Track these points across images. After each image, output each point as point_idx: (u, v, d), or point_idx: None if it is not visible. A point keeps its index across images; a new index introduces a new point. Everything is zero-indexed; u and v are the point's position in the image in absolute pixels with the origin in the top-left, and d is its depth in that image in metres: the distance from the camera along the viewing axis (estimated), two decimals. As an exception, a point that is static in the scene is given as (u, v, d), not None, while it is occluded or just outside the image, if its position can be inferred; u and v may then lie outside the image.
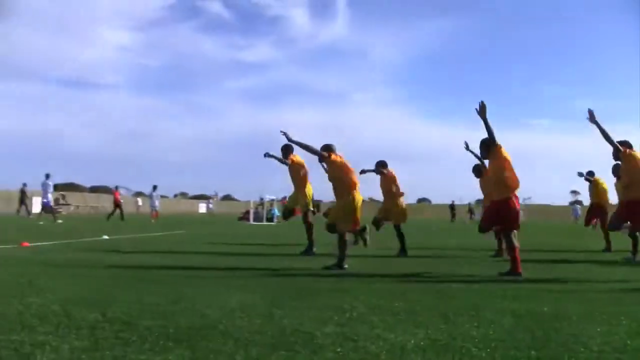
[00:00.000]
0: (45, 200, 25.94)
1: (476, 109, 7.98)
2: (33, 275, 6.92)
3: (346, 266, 8.51)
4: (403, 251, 11.46)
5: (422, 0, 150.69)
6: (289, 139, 9.45)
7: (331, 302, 5.45)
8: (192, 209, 75.04)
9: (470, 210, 58.34)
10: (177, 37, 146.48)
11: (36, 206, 47.78)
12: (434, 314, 4.97)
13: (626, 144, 9.45)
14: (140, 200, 58.72)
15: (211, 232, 11.64)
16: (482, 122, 8.00)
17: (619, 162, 10.04)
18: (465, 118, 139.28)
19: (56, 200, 43.24)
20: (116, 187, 33.98)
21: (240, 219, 39.27)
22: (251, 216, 36.56)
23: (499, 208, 8.21)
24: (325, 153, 8.90)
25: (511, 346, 3.83)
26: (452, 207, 55.83)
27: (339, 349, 3.66)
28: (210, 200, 68.37)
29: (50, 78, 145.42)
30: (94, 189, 75.12)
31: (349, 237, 8.84)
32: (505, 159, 8.14)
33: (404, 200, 11.92)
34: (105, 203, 54.22)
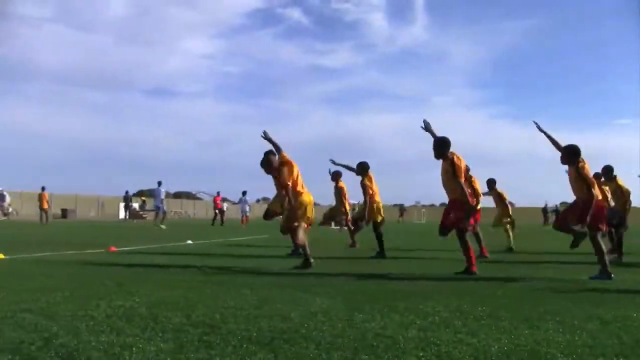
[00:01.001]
0: (158, 205, 27.10)
1: (421, 127, 8.69)
2: (120, 278, 7.13)
3: (312, 261, 8.92)
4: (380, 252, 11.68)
5: (499, 3, 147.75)
6: (266, 137, 9.49)
7: (413, 306, 5.40)
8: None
9: (557, 212, 56.75)
10: (258, 44, 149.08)
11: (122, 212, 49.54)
12: (518, 318, 4.87)
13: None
14: (225, 205, 59.84)
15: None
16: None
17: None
18: (550, 118, 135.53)
19: (140, 207, 44.77)
20: (218, 193, 34.73)
21: (322, 224, 39.24)
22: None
23: (452, 207, 8.57)
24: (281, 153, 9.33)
25: (598, 353, 3.73)
26: (545, 210, 55.00)
27: (421, 354, 3.64)
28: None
29: (135, 87, 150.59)
30: (177, 195, 77.03)
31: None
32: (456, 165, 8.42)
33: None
34: (187, 208, 55.62)
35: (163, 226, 25.32)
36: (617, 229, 11.78)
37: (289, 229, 9.14)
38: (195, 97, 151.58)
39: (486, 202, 13.84)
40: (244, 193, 35.54)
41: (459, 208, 8.41)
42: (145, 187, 58.50)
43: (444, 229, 8.48)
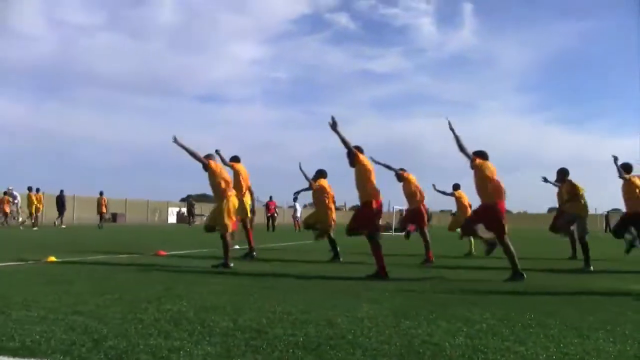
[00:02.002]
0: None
1: (329, 123, 8.62)
2: (169, 282, 7.23)
3: (232, 265, 9.68)
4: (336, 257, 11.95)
5: (551, 5, 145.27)
6: (178, 143, 9.65)
7: (460, 313, 5.34)
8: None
9: (607, 219, 55.52)
10: (306, 50, 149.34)
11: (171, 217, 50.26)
12: (567, 327, 4.79)
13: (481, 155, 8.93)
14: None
15: (340, 242, 11.69)
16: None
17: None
18: (602, 124, 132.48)
19: (188, 211, 45.35)
20: (270, 198, 34.96)
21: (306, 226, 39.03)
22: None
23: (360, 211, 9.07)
24: (206, 161, 9.80)
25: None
26: (606, 217, 54.03)
27: (468, 362, 3.57)
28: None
29: (185, 93, 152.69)
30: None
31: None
32: (366, 169, 8.75)
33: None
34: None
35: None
36: (579, 234, 11.54)
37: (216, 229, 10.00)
38: (244, 103, 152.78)
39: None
40: (296, 198, 35.65)
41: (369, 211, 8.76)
42: (192, 192, 59.18)
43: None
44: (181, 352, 3.66)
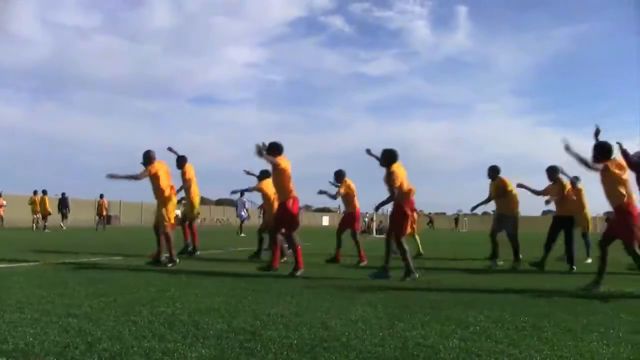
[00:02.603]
0: (241, 214, 28.33)
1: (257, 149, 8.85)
2: (162, 285, 7.21)
3: (177, 260, 10.27)
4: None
5: (546, 8, 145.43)
6: (113, 177, 10.03)
7: (454, 315, 5.35)
8: (316, 222, 76.17)
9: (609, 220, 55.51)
10: (302, 53, 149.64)
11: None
12: (561, 329, 4.81)
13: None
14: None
15: (334, 244, 11.69)
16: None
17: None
18: (601, 126, 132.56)
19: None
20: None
21: (363, 232, 39.21)
22: (374, 230, 36.40)
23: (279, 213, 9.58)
24: (139, 174, 10.15)
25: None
26: (608, 220, 54.06)
27: (462, 364, 3.57)
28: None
29: (182, 96, 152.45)
30: (219, 202, 77.60)
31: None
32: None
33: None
34: (230, 215, 56.03)
35: (243, 234, 26.22)
36: (511, 233, 11.71)
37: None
38: (240, 105, 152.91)
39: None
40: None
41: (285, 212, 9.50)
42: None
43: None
44: (175, 355, 3.66)
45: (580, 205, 12.84)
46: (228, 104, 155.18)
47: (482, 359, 3.74)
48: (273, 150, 9.26)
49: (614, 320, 5.29)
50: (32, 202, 29.58)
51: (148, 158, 10.35)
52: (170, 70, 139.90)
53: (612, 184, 7.67)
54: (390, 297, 6.64)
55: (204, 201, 47.75)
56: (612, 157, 7.69)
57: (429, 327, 4.77)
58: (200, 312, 5.23)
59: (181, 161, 12.58)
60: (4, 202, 31.31)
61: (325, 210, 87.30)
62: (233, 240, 20.76)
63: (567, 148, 7.90)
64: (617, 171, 7.62)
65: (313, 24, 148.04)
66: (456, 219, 68.94)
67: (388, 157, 8.90)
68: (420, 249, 14.05)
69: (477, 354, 3.85)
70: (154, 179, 10.31)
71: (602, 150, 7.80)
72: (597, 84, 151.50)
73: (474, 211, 13.72)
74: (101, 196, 34.14)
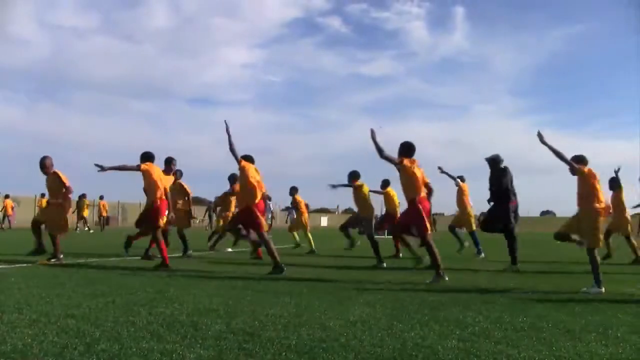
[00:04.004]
0: (268, 216, 28.78)
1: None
2: (161, 285, 7.22)
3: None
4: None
5: (543, 8, 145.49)
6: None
7: (453, 316, 5.35)
8: (314, 222, 76.20)
9: None
10: (299, 53, 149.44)
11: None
12: (559, 330, 4.81)
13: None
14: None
15: (334, 245, 11.70)
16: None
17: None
18: (596, 126, 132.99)
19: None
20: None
21: (361, 232, 39.12)
22: (373, 229, 36.34)
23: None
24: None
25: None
26: None
27: (460, 364, 3.58)
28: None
29: (179, 97, 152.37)
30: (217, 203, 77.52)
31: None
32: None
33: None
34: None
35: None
36: (366, 233, 12.34)
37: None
38: (237, 106, 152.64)
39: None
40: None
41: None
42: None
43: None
44: (173, 355, 3.65)
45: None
46: (226, 105, 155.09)
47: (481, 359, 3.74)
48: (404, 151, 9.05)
49: (613, 320, 5.29)
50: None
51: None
52: (168, 71, 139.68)
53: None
54: (389, 298, 6.64)
55: (200, 202, 47.77)
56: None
57: (427, 327, 4.77)
58: (199, 313, 5.22)
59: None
60: (14, 204, 31.63)
61: (323, 211, 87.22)
62: (232, 241, 20.71)
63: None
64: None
65: (310, 25, 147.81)
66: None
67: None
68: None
69: (475, 354, 3.85)
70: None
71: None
72: (595, 85, 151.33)
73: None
74: (101, 197, 34.33)
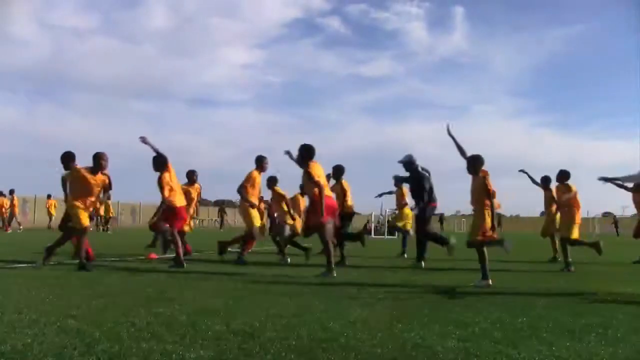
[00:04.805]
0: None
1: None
2: (161, 286, 7.21)
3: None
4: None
5: (542, 9, 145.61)
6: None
7: (453, 316, 5.36)
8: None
9: (615, 222, 55.58)
10: (299, 54, 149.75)
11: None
12: (559, 330, 4.81)
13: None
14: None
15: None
16: None
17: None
18: (594, 126, 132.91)
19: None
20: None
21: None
22: (372, 230, 36.34)
23: None
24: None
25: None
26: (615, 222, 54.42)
27: (460, 365, 3.58)
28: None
29: (179, 97, 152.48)
30: (218, 203, 77.49)
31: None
32: None
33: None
34: (228, 217, 56.10)
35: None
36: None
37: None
38: (237, 107, 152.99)
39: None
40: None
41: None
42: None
43: None
44: (173, 356, 3.65)
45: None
46: (225, 105, 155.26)
47: (481, 360, 3.74)
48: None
49: (613, 320, 5.28)
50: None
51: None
52: (167, 72, 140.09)
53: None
54: (389, 298, 6.64)
55: (202, 202, 47.94)
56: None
57: (427, 328, 4.77)
58: (199, 313, 5.22)
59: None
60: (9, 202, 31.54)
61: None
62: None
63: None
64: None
65: (310, 25, 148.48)
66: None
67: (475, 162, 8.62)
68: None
69: (475, 354, 3.85)
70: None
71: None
72: (595, 85, 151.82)
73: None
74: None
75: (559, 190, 11.90)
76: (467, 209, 13.76)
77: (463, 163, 8.59)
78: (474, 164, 8.35)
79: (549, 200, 13.17)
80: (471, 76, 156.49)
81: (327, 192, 9.23)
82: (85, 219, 9.61)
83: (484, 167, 8.30)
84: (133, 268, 9.75)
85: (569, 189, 11.51)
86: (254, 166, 11.61)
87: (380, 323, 4.95)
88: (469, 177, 8.48)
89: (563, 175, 11.75)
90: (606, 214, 71.40)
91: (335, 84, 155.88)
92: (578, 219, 11.33)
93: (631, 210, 14.40)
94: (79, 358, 3.57)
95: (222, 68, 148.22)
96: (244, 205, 11.51)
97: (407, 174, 11.74)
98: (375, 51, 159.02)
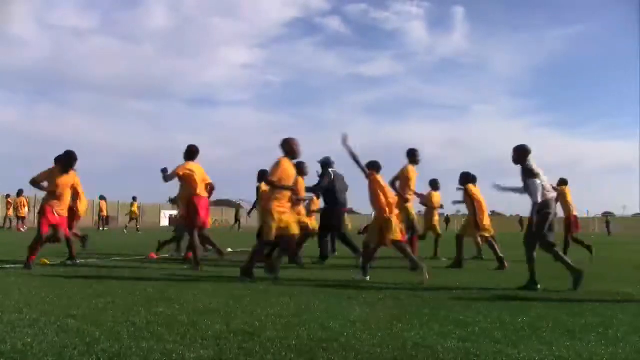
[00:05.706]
0: None
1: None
2: (161, 286, 7.22)
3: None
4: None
5: (542, 9, 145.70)
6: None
7: (453, 316, 5.35)
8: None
9: (607, 222, 55.70)
10: (298, 54, 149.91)
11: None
12: (559, 330, 4.81)
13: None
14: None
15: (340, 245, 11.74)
16: None
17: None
18: (594, 126, 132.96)
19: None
20: None
21: (361, 232, 39.03)
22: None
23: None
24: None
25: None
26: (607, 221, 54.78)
27: (460, 364, 3.58)
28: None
29: (178, 97, 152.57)
30: (217, 203, 77.49)
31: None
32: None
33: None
34: (227, 216, 56.11)
35: None
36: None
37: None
38: (236, 106, 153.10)
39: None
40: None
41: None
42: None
43: None
44: (174, 355, 3.65)
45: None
46: (224, 105, 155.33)
47: (481, 359, 3.74)
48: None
49: (613, 320, 5.28)
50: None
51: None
52: (167, 71, 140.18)
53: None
54: (389, 298, 6.64)
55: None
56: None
57: (427, 327, 4.77)
58: (199, 313, 5.22)
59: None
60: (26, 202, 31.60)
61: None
62: (231, 242, 20.73)
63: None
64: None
65: (310, 25, 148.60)
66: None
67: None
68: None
69: (475, 354, 3.85)
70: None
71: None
72: (595, 85, 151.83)
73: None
74: (101, 197, 34.25)
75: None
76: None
77: (463, 163, 8.65)
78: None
79: None
80: (471, 76, 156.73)
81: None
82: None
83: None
84: (132, 268, 9.76)
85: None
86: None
87: (380, 323, 4.95)
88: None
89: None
90: (606, 214, 71.54)
91: (335, 84, 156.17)
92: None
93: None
94: (79, 358, 3.57)
95: (222, 68, 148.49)
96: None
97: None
98: (375, 51, 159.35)
